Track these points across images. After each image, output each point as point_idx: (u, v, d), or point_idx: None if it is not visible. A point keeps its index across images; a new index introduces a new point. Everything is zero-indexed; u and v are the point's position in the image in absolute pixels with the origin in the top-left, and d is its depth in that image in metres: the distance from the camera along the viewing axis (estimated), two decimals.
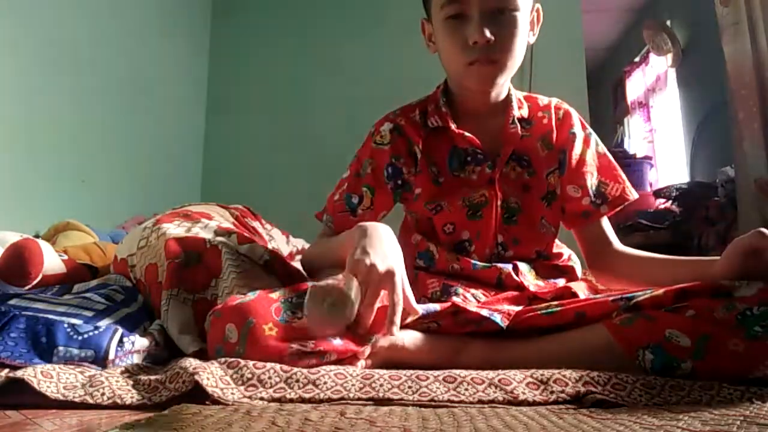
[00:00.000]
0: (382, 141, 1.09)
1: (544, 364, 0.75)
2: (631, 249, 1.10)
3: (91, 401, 0.68)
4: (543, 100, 1.14)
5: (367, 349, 0.83)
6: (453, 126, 1.06)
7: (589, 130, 1.13)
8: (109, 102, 2.17)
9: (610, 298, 0.86)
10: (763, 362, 0.70)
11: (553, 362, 0.76)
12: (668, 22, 3.62)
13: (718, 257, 0.91)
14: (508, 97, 1.09)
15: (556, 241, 1.14)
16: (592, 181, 1.09)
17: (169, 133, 2.60)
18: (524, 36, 1.01)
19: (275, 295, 0.85)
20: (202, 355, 0.87)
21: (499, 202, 1.06)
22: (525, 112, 1.10)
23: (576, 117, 1.13)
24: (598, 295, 0.95)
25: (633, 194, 1.10)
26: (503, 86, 1.07)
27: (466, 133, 1.06)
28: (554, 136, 1.10)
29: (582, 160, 1.10)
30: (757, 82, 1.98)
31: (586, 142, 1.11)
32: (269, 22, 2.94)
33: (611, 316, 0.83)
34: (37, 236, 1.40)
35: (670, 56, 3.57)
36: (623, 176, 1.12)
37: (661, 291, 0.81)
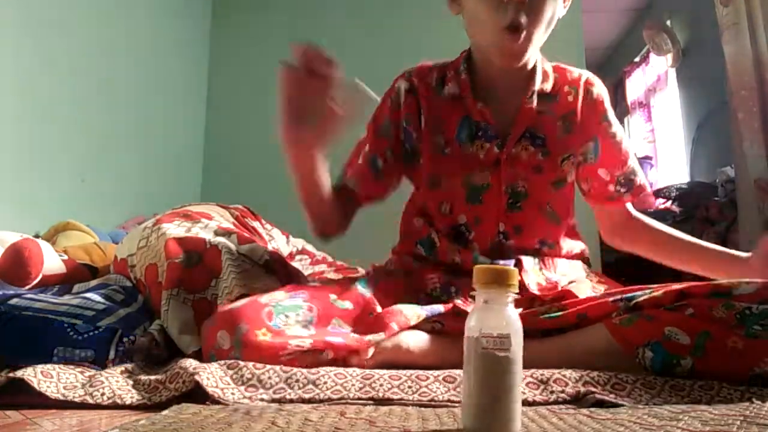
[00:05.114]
0: (398, 100, 1.07)
1: (544, 364, 0.75)
2: (650, 220, 1.13)
3: (91, 401, 0.68)
4: (572, 73, 1.09)
5: (371, 350, 0.83)
6: (470, 96, 1.03)
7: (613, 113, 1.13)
8: (109, 102, 2.17)
9: (610, 299, 0.86)
10: (762, 359, 0.70)
11: (553, 362, 0.76)
12: (668, 22, 3.61)
13: (742, 254, 0.94)
14: (534, 69, 1.04)
15: (576, 231, 1.13)
16: (623, 168, 1.10)
17: (169, 133, 2.60)
18: (557, 7, 0.97)
19: (264, 299, 0.84)
20: (202, 356, 0.87)
21: (503, 188, 1.02)
22: (549, 86, 1.05)
23: (608, 101, 1.10)
24: (598, 294, 0.94)
25: (648, 186, 1.13)
26: (530, 59, 1.02)
27: (480, 105, 1.01)
28: (578, 118, 1.05)
29: (617, 146, 1.09)
30: (757, 82, 1.97)
31: (618, 129, 1.10)
32: (269, 21, 2.94)
33: (611, 316, 0.83)
34: (37, 236, 1.40)
35: (670, 56, 3.56)
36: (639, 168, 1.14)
37: (660, 292, 0.81)
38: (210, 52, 2.98)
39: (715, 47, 2.14)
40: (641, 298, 0.82)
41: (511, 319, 0.53)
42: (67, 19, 1.96)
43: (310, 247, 1.40)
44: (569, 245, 1.10)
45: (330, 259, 1.45)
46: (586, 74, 1.10)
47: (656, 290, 0.82)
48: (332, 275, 1.31)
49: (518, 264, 1.01)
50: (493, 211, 1.03)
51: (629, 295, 0.85)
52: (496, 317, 0.53)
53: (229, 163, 2.84)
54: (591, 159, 1.09)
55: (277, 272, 1.07)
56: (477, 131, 1.03)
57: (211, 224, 1.16)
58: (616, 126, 1.10)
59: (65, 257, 1.24)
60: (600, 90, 1.09)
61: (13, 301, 0.96)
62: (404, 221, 1.13)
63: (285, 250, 1.46)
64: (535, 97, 1.02)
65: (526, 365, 0.77)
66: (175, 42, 2.69)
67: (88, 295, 1.04)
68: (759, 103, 1.96)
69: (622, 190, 1.10)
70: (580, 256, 1.11)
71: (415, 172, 1.09)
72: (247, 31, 2.96)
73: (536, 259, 1.04)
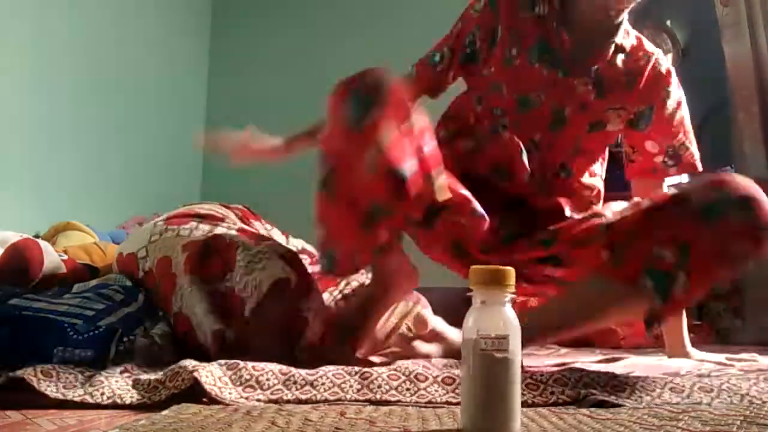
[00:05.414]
0: (476, 9, 1.12)
1: (565, 320, 0.91)
2: None
3: (90, 401, 0.68)
4: (649, 45, 1.13)
5: None
6: (553, 20, 1.06)
7: (682, 92, 1.13)
8: (109, 102, 2.17)
9: (594, 221, 1.00)
10: (733, 240, 0.81)
11: (572, 317, 0.92)
12: (668, 22, 3.61)
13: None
14: (619, 25, 1.08)
15: (597, 174, 1.15)
16: (673, 141, 1.11)
17: (169, 133, 2.60)
18: None
19: None
20: (220, 337, 0.91)
21: (550, 109, 1.07)
22: (627, 43, 1.09)
23: (674, 76, 1.12)
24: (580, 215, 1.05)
25: (700, 166, 1.14)
26: (625, 12, 1.07)
27: (561, 29, 1.05)
28: (642, 81, 1.09)
29: (670, 120, 1.10)
30: (757, 82, 1.97)
31: (680, 103, 1.11)
32: (270, 21, 2.94)
33: (595, 241, 0.96)
34: (37, 236, 1.40)
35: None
36: (695, 147, 1.14)
37: (629, 213, 0.94)
38: (210, 52, 2.98)
39: (715, 47, 2.13)
40: (614, 221, 0.96)
41: (509, 319, 0.53)
42: (67, 21, 1.96)
43: (309, 248, 1.40)
44: (589, 185, 1.14)
45: None
46: (659, 52, 1.14)
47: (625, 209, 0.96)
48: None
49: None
50: (536, 122, 1.08)
51: (606, 211, 1.00)
52: (493, 318, 0.53)
53: (229, 163, 2.84)
54: (641, 127, 1.11)
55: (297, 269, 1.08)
56: (548, 53, 1.07)
57: (231, 230, 1.17)
58: (674, 100, 1.11)
59: (65, 257, 1.24)
60: (669, 66, 1.13)
61: (13, 301, 0.95)
62: (459, 108, 1.18)
63: None
64: (612, 46, 1.07)
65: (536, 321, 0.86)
66: (175, 42, 2.69)
67: (88, 295, 1.04)
68: (759, 103, 1.96)
69: (670, 162, 1.12)
70: (592, 195, 1.14)
71: (471, 74, 1.15)
72: (247, 30, 2.96)
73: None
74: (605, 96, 1.07)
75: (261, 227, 1.39)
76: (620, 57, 1.08)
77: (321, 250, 0.95)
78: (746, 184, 0.87)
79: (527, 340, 0.85)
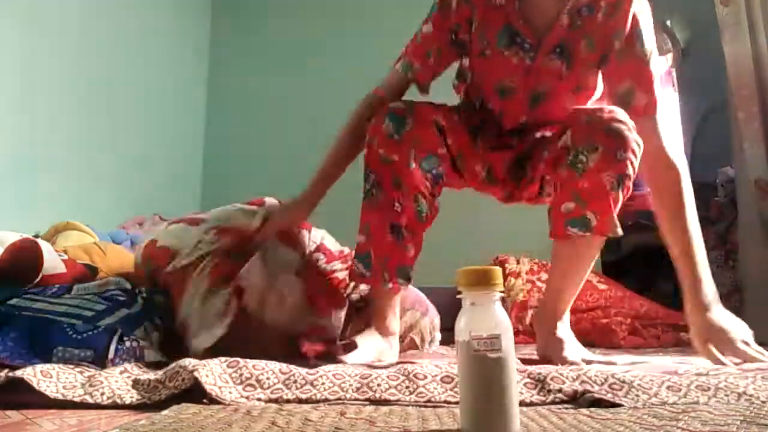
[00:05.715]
0: (449, 6, 1.16)
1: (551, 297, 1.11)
2: (674, 176, 1.09)
3: (90, 401, 0.68)
4: None
5: None
6: (513, 8, 1.09)
7: (646, 37, 1.08)
8: (109, 102, 2.17)
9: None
10: (602, 173, 0.96)
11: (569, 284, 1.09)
12: (668, 22, 3.61)
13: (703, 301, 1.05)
14: None
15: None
16: (616, 86, 1.09)
17: (169, 133, 2.60)
18: None
19: None
20: (211, 353, 0.90)
21: (528, 92, 1.13)
22: None
23: (635, 21, 1.07)
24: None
25: (654, 108, 1.08)
26: None
27: (521, 21, 1.09)
28: (603, 34, 1.07)
29: (616, 64, 1.08)
30: (757, 82, 1.97)
31: (627, 48, 1.07)
32: (269, 21, 2.94)
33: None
34: (37, 236, 1.40)
35: (670, 56, 3.56)
36: (658, 92, 1.09)
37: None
38: (210, 51, 2.98)
39: (715, 47, 2.14)
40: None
41: (500, 318, 0.53)
42: (67, 21, 1.96)
43: (328, 242, 1.36)
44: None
45: (347, 252, 1.42)
46: None
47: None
48: (341, 275, 1.29)
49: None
50: (517, 107, 1.16)
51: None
52: (484, 318, 0.53)
53: (230, 163, 2.84)
54: (602, 67, 1.12)
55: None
56: (515, 39, 1.12)
57: None
58: (623, 43, 1.07)
59: (65, 257, 1.24)
60: (627, 8, 1.07)
61: (13, 301, 0.96)
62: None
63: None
64: (568, 15, 1.07)
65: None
66: (175, 42, 2.69)
67: (88, 296, 1.04)
68: (759, 103, 1.96)
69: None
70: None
71: (461, 63, 1.22)
72: (247, 30, 2.96)
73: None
74: (574, 65, 1.10)
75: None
76: (581, 16, 1.07)
77: (358, 254, 1.09)
78: (588, 131, 0.99)
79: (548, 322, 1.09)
